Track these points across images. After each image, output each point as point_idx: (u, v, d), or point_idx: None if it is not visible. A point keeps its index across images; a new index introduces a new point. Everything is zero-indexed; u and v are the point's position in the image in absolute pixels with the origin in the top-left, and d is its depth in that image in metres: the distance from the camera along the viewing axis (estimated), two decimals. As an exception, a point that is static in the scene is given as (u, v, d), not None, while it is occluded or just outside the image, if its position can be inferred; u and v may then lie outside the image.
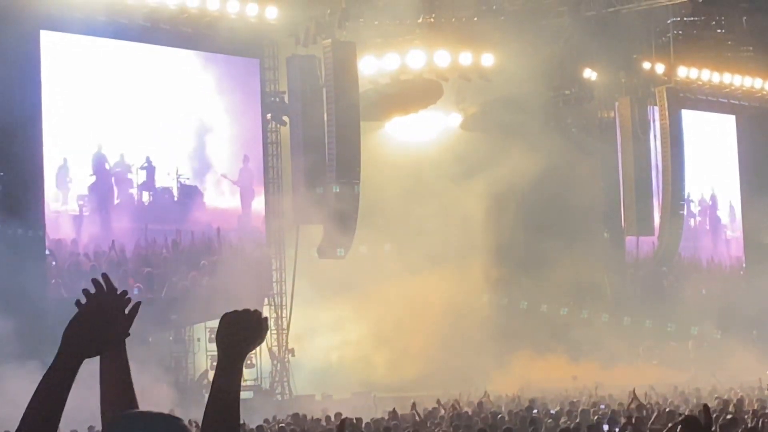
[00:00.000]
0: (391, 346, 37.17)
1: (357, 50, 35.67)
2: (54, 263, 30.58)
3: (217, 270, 32.53)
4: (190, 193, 33.72)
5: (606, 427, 18.11)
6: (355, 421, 20.49)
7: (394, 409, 21.77)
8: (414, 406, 22.19)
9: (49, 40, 31.10)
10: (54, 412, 3.55)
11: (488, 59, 38.65)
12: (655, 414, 20.07)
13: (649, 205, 42.55)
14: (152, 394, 22.18)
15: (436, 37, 38.57)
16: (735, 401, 23.30)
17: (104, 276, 3.83)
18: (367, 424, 20.12)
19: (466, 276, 40.13)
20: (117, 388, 3.76)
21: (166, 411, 3.74)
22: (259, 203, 35.20)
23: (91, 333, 3.66)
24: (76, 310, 3.66)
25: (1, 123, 29.07)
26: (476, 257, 38.87)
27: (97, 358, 3.81)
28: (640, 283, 43.63)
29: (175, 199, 33.47)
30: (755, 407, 20.85)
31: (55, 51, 31.23)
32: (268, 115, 35.50)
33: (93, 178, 31.74)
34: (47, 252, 30.51)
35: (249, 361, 34.38)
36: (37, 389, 3.58)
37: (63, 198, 31.20)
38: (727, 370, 36.88)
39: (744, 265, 47.21)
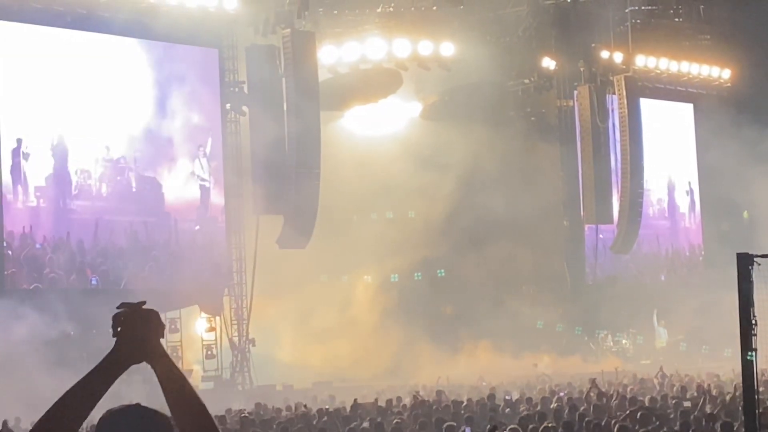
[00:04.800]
0: (350, 337, 37.16)
1: (316, 40, 35.58)
2: (10, 253, 30.36)
3: (177, 261, 32.38)
4: (148, 184, 33.53)
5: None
6: (315, 411, 20.49)
7: (355, 400, 21.72)
8: (376, 399, 22.22)
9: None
10: (81, 410, 3.47)
11: (448, 48, 38.65)
12: (616, 401, 20.19)
13: (608, 194, 42.67)
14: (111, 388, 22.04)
15: (396, 27, 38.54)
16: (695, 387, 23.48)
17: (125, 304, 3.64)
18: (329, 413, 20.09)
19: (424, 266, 40.21)
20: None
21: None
22: (218, 194, 35.06)
23: (144, 335, 3.56)
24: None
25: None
26: (435, 246, 38.92)
27: None
28: (600, 271, 43.79)
29: (134, 190, 33.27)
30: (714, 393, 20.98)
31: (8, 42, 30.97)
32: (228, 105, 35.36)
33: (50, 170, 31.49)
34: (4, 243, 30.28)
35: (210, 352, 34.29)
36: (73, 385, 3.49)
37: (21, 190, 30.93)
38: (687, 359, 37.18)
39: (703, 252, 47.50)
